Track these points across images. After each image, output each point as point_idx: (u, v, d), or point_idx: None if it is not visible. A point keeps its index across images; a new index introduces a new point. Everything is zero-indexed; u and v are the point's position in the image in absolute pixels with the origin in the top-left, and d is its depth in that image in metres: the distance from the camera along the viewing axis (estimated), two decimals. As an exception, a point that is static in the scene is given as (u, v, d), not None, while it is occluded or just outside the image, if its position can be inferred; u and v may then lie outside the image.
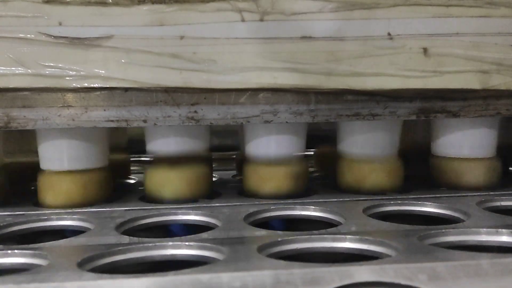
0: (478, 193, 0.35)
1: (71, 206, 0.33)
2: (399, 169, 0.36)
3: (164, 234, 0.31)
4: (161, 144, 0.35)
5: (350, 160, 0.36)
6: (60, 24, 0.29)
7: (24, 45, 0.29)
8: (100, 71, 0.30)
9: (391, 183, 0.36)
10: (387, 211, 0.33)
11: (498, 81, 0.31)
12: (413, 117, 0.32)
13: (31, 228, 0.31)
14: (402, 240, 0.24)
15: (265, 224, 0.31)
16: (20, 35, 0.29)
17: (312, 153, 0.48)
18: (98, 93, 0.30)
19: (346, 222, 0.29)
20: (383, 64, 0.31)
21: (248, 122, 0.31)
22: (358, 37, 0.30)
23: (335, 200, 0.34)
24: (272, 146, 0.35)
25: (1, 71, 0.29)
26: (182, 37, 0.30)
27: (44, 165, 0.34)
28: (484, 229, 0.26)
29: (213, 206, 0.33)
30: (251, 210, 0.31)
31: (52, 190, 0.33)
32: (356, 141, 0.36)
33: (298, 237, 0.25)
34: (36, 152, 0.34)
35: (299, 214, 0.33)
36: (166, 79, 0.30)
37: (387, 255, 0.24)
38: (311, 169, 0.46)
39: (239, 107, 0.31)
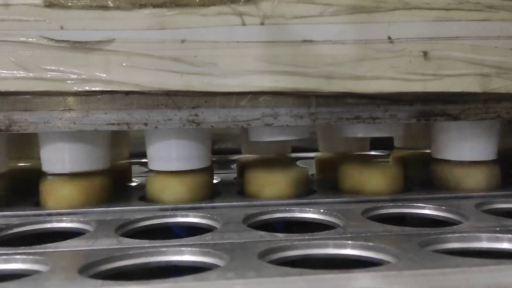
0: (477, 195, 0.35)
1: (72, 208, 0.33)
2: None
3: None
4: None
5: None
6: (61, 28, 0.29)
7: (26, 48, 0.29)
8: (101, 75, 0.30)
9: None
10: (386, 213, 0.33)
11: (498, 84, 0.32)
12: (413, 120, 0.32)
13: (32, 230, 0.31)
14: (402, 245, 0.24)
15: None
16: (22, 38, 0.29)
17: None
18: (99, 96, 0.30)
19: (345, 225, 0.29)
20: (383, 68, 0.31)
21: (249, 125, 0.31)
22: (358, 40, 0.30)
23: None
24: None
25: (3, 75, 0.29)
26: (183, 41, 0.30)
27: (46, 167, 0.34)
28: (484, 234, 0.26)
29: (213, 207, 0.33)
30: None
31: (54, 192, 0.33)
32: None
33: (297, 242, 0.26)
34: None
35: (298, 217, 0.33)
36: (167, 82, 0.30)
37: (387, 262, 0.24)
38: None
39: (240, 110, 0.31)
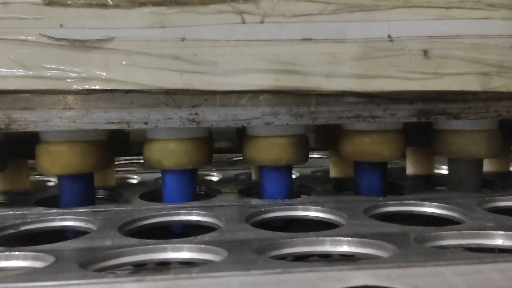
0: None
1: (69, 172, 0.33)
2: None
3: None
4: None
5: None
6: (61, 26, 0.29)
7: (25, 47, 0.29)
8: (101, 73, 0.30)
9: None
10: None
11: (498, 83, 0.31)
12: (414, 119, 0.32)
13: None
14: (401, 242, 0.24)
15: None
16: (21, 37, 0.29)
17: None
18: (99, 95, 0.30)
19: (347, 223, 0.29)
20: (383, 66, 0.31)
21: (249, 124, 0.31)
22: (358, 39, 0.30)
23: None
24: None
25: (2, 73, 0.29)
26: (183, 39, 0.30)
27: (43, 135, 0.34)
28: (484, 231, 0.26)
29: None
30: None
31: (51, 158, 0.33)
32: None
33: (295, 239, 0.26)
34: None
35: (299, 215, 0.33)
36: (167, 81, 0.30)
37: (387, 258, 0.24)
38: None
39: (240, 109, 0.31)
